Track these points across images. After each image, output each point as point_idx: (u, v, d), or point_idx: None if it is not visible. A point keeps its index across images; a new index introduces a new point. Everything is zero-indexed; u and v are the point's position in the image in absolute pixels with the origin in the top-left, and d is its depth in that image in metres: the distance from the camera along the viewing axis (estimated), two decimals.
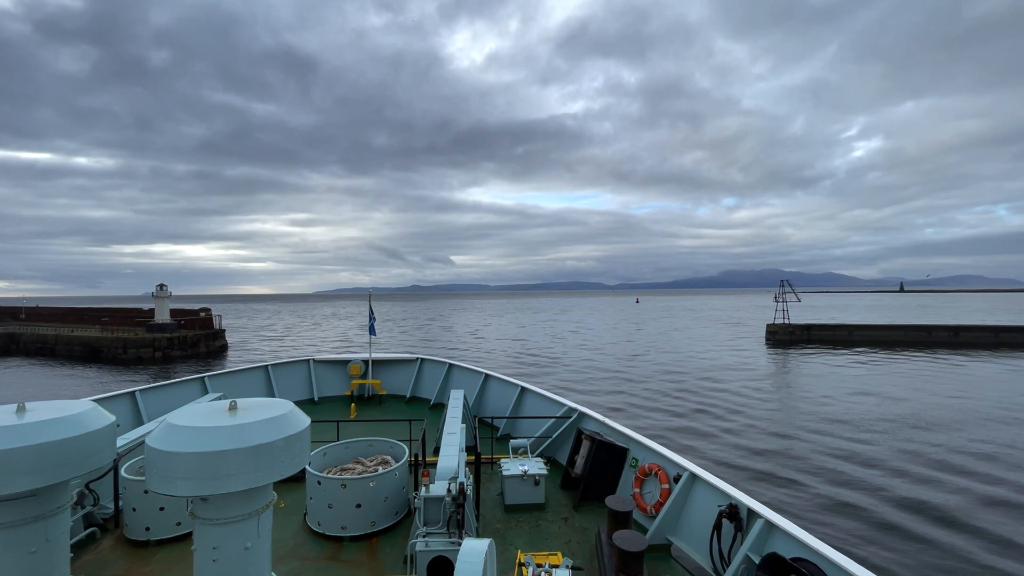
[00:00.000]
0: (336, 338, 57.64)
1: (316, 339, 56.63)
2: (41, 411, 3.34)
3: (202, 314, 49.36)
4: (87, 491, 6.17)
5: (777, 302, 51.69)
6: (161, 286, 42.62)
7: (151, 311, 44.55)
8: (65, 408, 3.44)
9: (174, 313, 45.39)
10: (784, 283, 52.55)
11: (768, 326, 51.26)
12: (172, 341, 40.71)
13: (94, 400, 6.61)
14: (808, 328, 49.29)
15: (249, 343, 52.92)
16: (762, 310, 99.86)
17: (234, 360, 40.06)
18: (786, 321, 50.15)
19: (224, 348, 46.35)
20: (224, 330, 48.88)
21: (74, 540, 6.01)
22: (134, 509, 6.17)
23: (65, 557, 3.43)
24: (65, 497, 3.42)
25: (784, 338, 48.91)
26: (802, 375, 30.22)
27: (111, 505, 6.62)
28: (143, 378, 30.84)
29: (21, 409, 3.33)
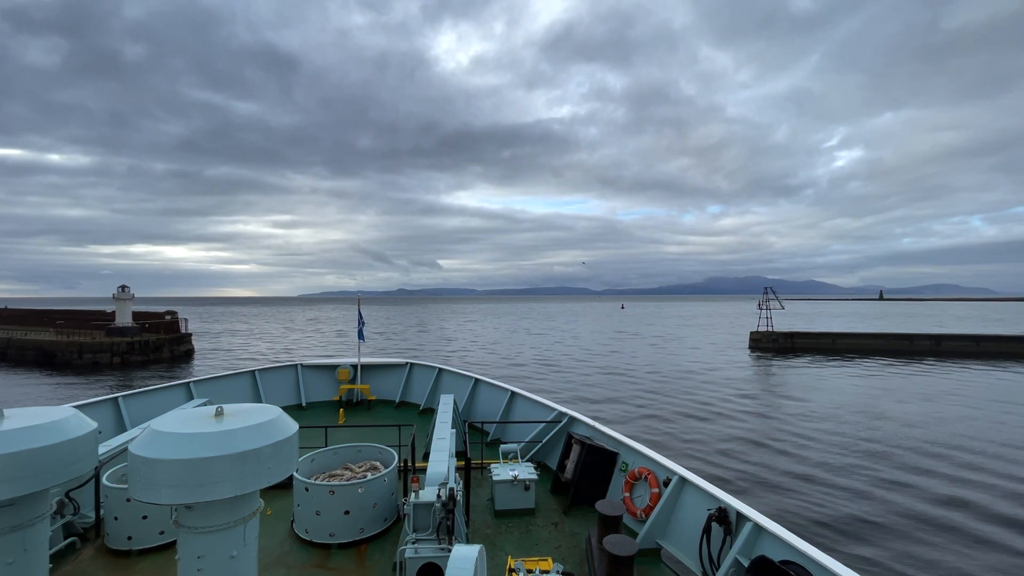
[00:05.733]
0: (318, 342, 56.95)
1: (297, 343, 55.87)
2: (20, 418, 3.22)
3: (167, 317, 48.02)
4: (67, 500, 5.99)
5: (761, 309, 52.22)
6: (123, 287, 41.28)
7: (113, 314, 43.05)
8: (45, 415, 3.31)
9: (139, 316, 43.79)
10: (768, 290, 53.10)
11: (752, 333, 51.80)
12: (133, 345, 39.19)
13: (75, 406, 6.44)
14: (792, 336, 49.91)
15: (218, 347, 51.74)
16: (745, 317, 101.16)
17: (200, 365, 39.02)
18: (770, 329, 50.74)
19: (190, 353, 45.03)
20: (191, 334, 47.55)
21: (53, 550, 5.81)
22: (116, 518, 6.00)
23: (44, 568, 3.32)
24: (44, 506, 3.30)
25: (768, 346, 49.49)
26: (785, 383, 30.65)
27: (92, 514, 6.43)
28: (101, 385, 29.72)
29: None
